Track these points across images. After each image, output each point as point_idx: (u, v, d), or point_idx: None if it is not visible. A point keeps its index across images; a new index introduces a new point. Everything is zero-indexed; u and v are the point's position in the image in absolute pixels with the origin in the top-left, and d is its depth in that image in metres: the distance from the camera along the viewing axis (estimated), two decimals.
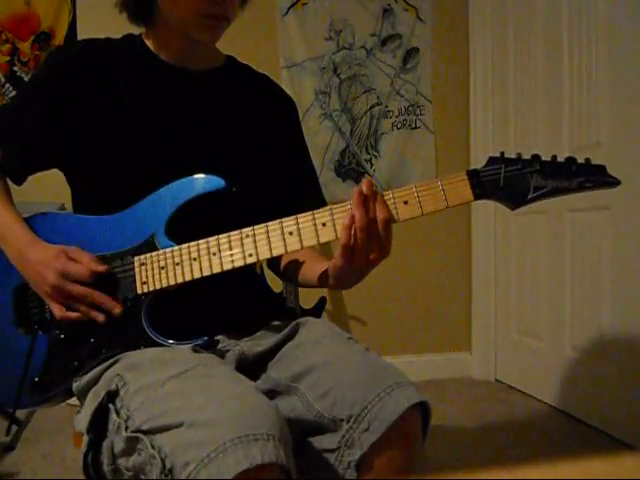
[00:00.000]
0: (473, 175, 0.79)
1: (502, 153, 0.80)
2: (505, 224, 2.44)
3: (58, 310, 0.87)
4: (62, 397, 0.92)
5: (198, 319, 0.91)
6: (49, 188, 1.53)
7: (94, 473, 0.77)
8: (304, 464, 0.73)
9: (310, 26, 2.48)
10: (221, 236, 0.84)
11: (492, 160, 0.80)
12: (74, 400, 0.91)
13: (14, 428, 1.89)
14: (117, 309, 0.86)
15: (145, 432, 0.68)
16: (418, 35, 2.54)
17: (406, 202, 0.80)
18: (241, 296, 1.00)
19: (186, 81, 0.99)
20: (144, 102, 0.96)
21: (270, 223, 0.83)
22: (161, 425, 0.66)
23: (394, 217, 0.80)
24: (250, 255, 0.83)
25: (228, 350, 0.89)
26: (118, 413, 0.74)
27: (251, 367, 0.87)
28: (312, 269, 0.97)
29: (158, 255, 0.86)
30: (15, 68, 2.36)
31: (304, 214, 0.82)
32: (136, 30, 1.02)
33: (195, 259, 0.84)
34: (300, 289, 2.03)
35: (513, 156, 0.80)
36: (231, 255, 0.84)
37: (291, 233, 0.82)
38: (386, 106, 2.54)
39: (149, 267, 0.86)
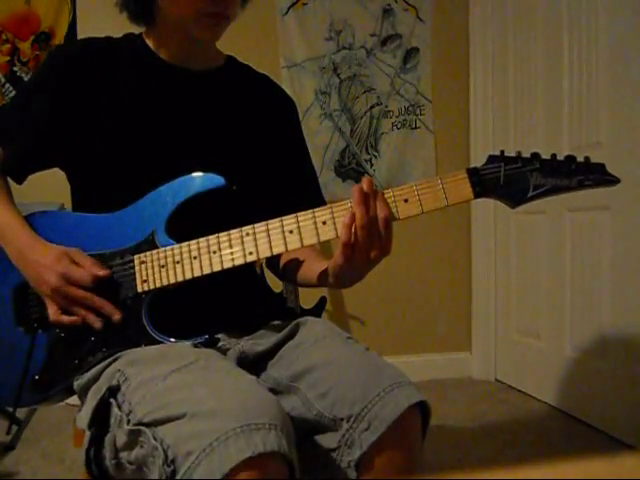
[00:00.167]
0: (473, 173, 0.79)
1: (502, 151, 0.80)
2: (505, 224, 2.44)
3: (53, 313, 0.87)
4: (62, 395, 0.92)
5: (199, 317, 0.90)
6: (49, 188, 1.53)
7: (96, 468, 0.77)
8: (304, 463, 0.73)
9: (310, 26, 2.48)
10: (221, 234, 0.84)
11: (492, 158, 0.80)
12: (74, 400, 0.91)
13: (14, 428, 1.89)
14: (117, 315, 0.86)
15: (147, 425, 0.68)
16: (418, 35, 2.54)
17: (406, 200, 0.80)
18: (241, 295, 1.00)
19: (186, 80, 0.99)
20: (144, 101, 0.96)
21: (270, 221, 0.83)
22: (163, 417, 0.66)
23: (394, 215, 0.80)
24: (250, 253, 0.83)
25: (228, 349, 0.89)
26: (120, 407, 0.74)
27: (251, 366, 0.87)
28: (312, 268, 0.97)
29: (158, 253, 0.86)
30: (15, 68, 2.36)
31: (304, 212, 0.82)
32: (136, 29, 1.02)
33: (195, 257, 0.84)
34: (300, 289, 2.03)
35: (513, 154, 0.80)
36: (231, 253, 0.84)
37: (291, 231, 0.82)
38: (386, 106, 2.54)
39: (149, 265, 0.86)
